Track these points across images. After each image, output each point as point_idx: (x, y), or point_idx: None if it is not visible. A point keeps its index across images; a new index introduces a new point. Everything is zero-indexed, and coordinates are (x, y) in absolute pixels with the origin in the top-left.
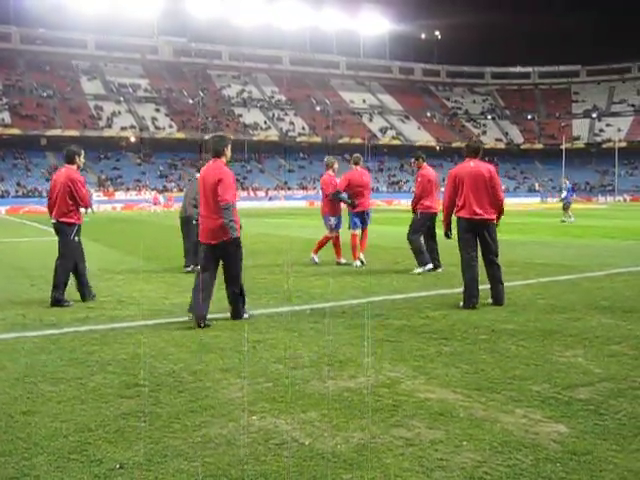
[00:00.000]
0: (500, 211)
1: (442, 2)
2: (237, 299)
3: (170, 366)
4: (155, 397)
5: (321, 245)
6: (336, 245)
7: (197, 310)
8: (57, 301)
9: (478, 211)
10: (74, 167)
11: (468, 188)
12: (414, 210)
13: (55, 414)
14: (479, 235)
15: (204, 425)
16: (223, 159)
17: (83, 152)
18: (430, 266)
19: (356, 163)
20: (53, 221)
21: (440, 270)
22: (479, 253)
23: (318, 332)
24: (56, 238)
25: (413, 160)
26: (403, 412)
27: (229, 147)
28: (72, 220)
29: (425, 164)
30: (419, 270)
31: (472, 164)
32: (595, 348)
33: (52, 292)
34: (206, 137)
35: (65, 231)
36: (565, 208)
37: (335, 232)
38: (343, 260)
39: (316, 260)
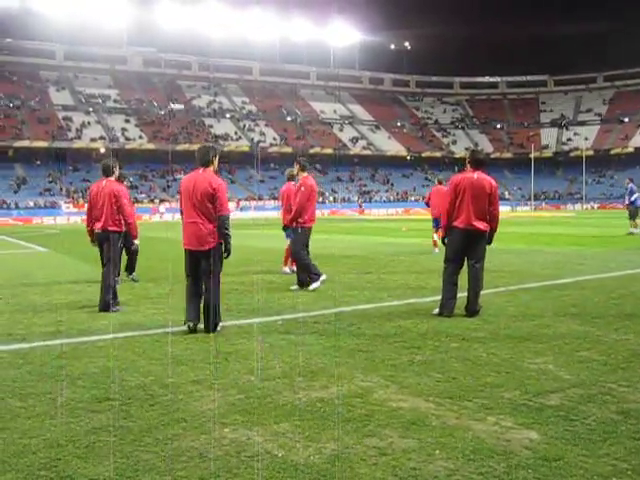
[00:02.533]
0: (494, 227)
1: (411, 13)
2: (213, 308)
3: (141, 379)
4: (126, 411)
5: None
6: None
7: (191, 316)
8: (106, 305)
9: (475, 223)
10: (113, 179)
11: (468, 199)
12: (291, 224)
13: (24, 430)
14: (469, 245)
15: (176, 438)
16: (211, 168)
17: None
18: (324, 277)
19: (440, 182)
20: (98, 230)
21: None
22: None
23: (290, 343)
24: (20, 251)
25: (292, 168)
26: (376, 422)
27: (217, 157)
28: (119, 228)
29: (306, 173)
30: (315, 285)
31: (476, 176)
32: (565, 354)
33: (101, 297)
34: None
35: (112, 239)
36: (632, 216)
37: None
38: (287, 269)
39: (288, 271)
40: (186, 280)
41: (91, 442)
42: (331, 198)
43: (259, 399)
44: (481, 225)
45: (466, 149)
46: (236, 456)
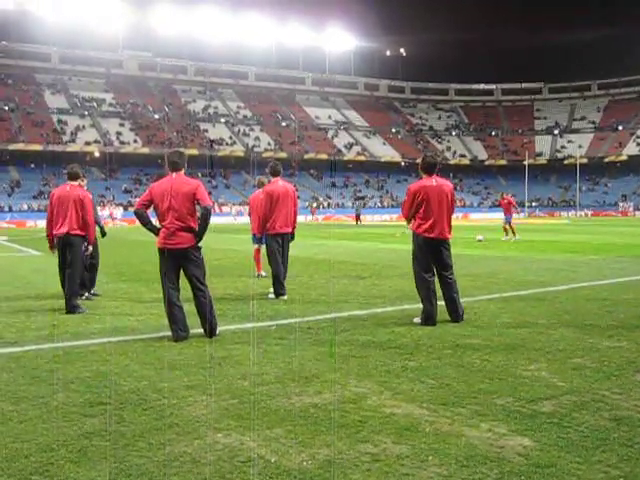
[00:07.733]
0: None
1: (407, 19)
2: (210, 311)
3: (134, 384)
4: (119, 415)
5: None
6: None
7: (179, 323)
8: (72, 308)
9: (444, 231)
10: (76, 184)
11: (435, 207)
12: (260, 232)
13: (16, 434)
14: (437, 253)
15: (169, 443)
16: (182, 172)
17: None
18: (284, 297)
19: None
20: (60, 235)
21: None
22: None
23: (284, 348)
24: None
25: (264, 177)
26: (369, 427)
27: (186, 163)
28: (82, 232)
29: (275, 178)
30: (271, 296)
31: (434, 182)
32: (558, 361)
33: (66, 301)
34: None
35: (76, 243)
36: None
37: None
38: (264, 273)
39: (264, 274)
40: (164, 289)
41: (84, 446)
42: (325, 204)
43: (252, 404)
44: (447, 232)
45: (461, 156)
46: (229, 461)
